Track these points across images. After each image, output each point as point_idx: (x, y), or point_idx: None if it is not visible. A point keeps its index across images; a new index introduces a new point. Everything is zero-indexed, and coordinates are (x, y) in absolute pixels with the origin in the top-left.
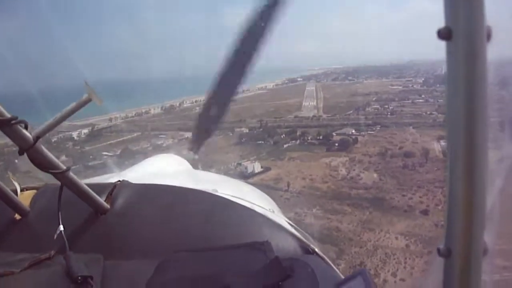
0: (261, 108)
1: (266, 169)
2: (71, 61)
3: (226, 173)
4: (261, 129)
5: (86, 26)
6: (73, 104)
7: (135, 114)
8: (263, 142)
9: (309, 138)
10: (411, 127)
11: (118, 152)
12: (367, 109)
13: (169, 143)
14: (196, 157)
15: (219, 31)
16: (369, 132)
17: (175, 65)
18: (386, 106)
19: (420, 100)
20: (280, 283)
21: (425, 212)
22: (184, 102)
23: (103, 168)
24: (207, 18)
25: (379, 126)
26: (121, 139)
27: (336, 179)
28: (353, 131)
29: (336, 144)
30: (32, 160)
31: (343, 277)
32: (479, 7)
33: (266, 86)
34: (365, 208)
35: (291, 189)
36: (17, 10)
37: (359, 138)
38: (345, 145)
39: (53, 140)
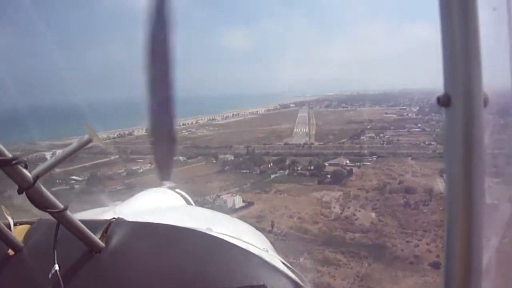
0: (250, 133)
1: (248, 204)
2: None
3: (203, 207)
4: (247, 157)
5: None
6: (73, 145)
7: (117, 135)
8: (248, 171)
9: (299, 168)
10: (409, 158)
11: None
12: (361, 137)
13: (146, 169)
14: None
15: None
16: (364, 163)
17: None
18: (382, 135)
19: (417, 129)
20: None
21: (435, 265)
22: None
23: (67, 194)
24: (197, 38)
25: (375, 156)
26: (96, 162)
27: (328, 218)
28: (347, 161)
29: (329, 176)
30: (31, 199)
31: None
32: (476, 75)
33: (257, 111)
34: (363, 258)
35: (275, 230)
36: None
37: (354, 169)
38: (338, 177)
39: (25, 158)
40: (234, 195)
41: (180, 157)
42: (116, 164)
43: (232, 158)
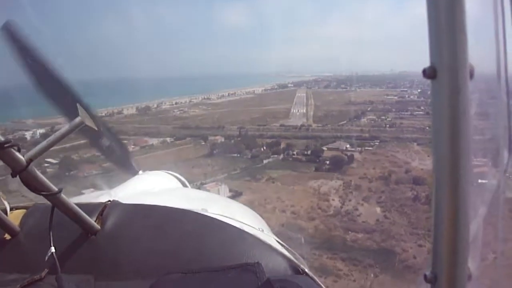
0: (245, 113)
1: (235, 195)
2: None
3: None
4: (239, 139)
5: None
6: (65, 127)
7: (105, 114)
8: (238, 155)
9: (295, 152)
10: (415, 143)
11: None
12: (362, 119)
13: (130, 151)
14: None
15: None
16: (366, 148)
17: (161, 65)
18: (383, 117)
19: (420, 112)
20: None
21: None
22: (163, 104)
23: None
24: (196, 16)
25: (378, 140)
26: (76, 143)
27: (326, 213)
28: (348, 145)
29: (327, 162)
30: (25, 182)
31: None
32: (462, 47)
33: (254, 91)
34: (367, 267)
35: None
36: None
37: (355, 155)
38: (338, 164)
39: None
40: (220, 184)
41: (168, 138)
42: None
43: (223, 140)
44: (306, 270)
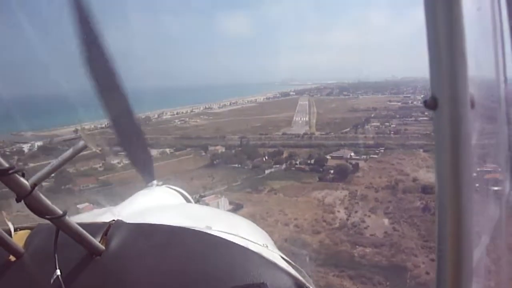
0: (246, 123)
1: (236, 207)
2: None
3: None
4: (240, 149)
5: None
6: (69, 151)
7: (105, 125)
8: (239, 165)
9: (298, 162)
10: (421, 150)
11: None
12: (366, 126)
13: (127, 163)
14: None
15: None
16: (371, 155)
17: (164, 75)
18: (387, 124)
19: (424, 118)
20: None
21: None
22: (164, 114)
23: None
24: (199, 25)
25: (383, 148)
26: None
27: (331, 226)
28: (352, 153)
29: (331, 172)
30: (29, 207)
31: None
32: (462, 77)
33: (256, 99)
34: (377, 284)
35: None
36: None
37: (360, 163)
38: (342, 173)
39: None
40: (220, 196)
41: (167, 149)
42: (95, 158)
43: (223, 150)
44: (311, 287)
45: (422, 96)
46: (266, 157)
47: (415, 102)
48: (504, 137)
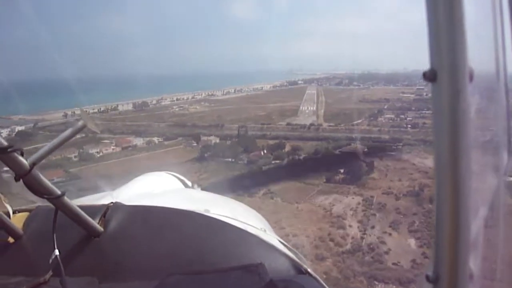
0: (249, 111)
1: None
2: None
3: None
4: (237, 139)
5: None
6: (68, 131)
7: (98, 111)
8: (233, 160)
9: (301, 157)
10: None
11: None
12: (379, 118)
13: (106, 153)
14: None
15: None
16: (387, 152)
17: (170, 62)
18: (403, 116)
19: None
20: None
21: None
22: (163, 100)
23: None
24: (207, 11)
25: (401, 143)
26: (40, 145)
27: (341, 248)
28: (365, 149)
29: (341, 171)
30: (28, 186)
31: None
32: (462, 49)
33: (262, 87)
34: None
35: None
36: None
37: (375, 161)
38: (354, 173)
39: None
40: None
41: (156, 138)
42: (78, 145)
43: (217, 141)
44: (309, 270)
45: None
46: (265, 151)
47: (430, 95)
48: (503, 108)
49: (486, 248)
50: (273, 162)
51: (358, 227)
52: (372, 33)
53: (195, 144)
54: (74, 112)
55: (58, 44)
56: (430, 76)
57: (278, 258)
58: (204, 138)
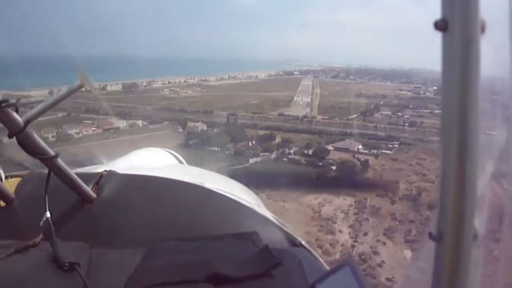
0: (241, 99)
1: None
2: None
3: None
4: (225, 127)
5: None
6: (64, 89)
7: (85, 89)
8: (218, 149)
9: (292, 151)
10: None
11: None
12: (375, 114)
13: (87, 133)
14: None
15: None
16: (383, 150)
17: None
18: (400, 114)
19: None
20: (270, 271)
21: None
22: (154, 82)
23: None
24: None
25: (397, 142)
26: (33, 121)
27: (330, 257)
28: (360, 146)
29: (333, 168)
30: (21, 144)
31: (329, 269)
32: (474, 0)
33: (257, 76)
34: None
35: None
36: None
37: (370, 160)
38: (347, 172)
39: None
40: None
41: (140, 121)
42: (58, 124)
43: (205, 128)
44: (303, 242)
45: (434, 88)
46: (254, 142)
47: (427, 94)
48: None
49: (492, 207)
50: (261, 154)
51: (349, 233)
52: (371, 29)
53: (181, 130)
54: (60, 90)
55: (47, 20)
56: (441, 26)
57: (272, 230)
58: (190, 124)
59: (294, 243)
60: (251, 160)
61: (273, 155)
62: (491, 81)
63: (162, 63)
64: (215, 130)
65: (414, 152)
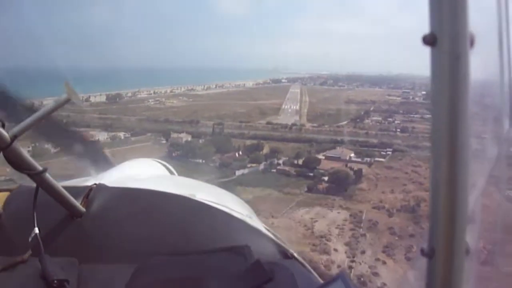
0: (228, 107)
1: None
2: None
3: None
4: (211, 137)
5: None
6: (51, 104)
7: (74, 102)
8: (203, 161)
9: (281, 161)
10: None
11: None
12: (365, 120)
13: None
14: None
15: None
16: (376, 158)
17: (152, 54)
18: (391, 119)
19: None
20: (262, 286)
21: None
22: (140, 93)
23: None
24: (192, 3)
25: (390, 149)
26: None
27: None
28: (352, 154)
29: (325, 179)
30: (8, 159)
31: (322, 281)
32: (463, 14)
33: (244, 84)
34: None
35: None
36: None
37: (363, 168)
38: (340, 183)
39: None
40: None
41: (122, 133)
42: (27, 139)
43: (189, 138)
44: (295, 254)
45: (423, 92)
46: (240, 152)
47: (416, 98)
48: (504, 76)
49: (484, 220)
50: (248, 165)
51: (345, 251)
52: (358, 36)
53: (163, 141)
54: (41, 102)
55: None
56: (429, 40)
57: (264, 243)
58: (174, 135)
59: (286, 255)
60: (238, 172)
61: (261, 166)
62: (481, 89)
63: (147, 74)
64: (200, 140)
65: (408, 159)
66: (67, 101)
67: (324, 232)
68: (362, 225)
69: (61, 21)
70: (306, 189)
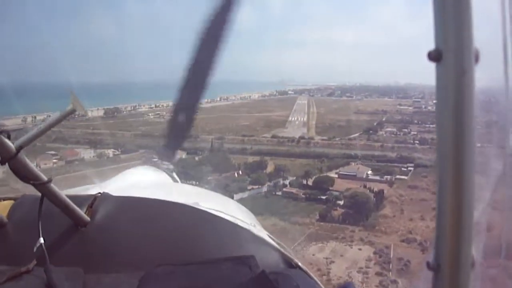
0: (232, 120)
1: None
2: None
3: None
4: (209, 155)
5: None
6: (57, 114)
7: (79, 113)
8: (197, 183)
9: (287, 182)
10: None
11: None
12: (379, 132)
13: (45, 167)
14: (171, 166)
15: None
16: (397, 176)
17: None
18: (406, 130)
19: None
20: None
21: None
22: (140, 106)
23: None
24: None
25: (412, 164)
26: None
27: None
28: (369, 171)
29: (340, 203)
30: (14, 170)
31: None
32: (468, 30)
33: (250, 96)
34: None
35: None
36: None
37: (384, 189)
38: (359, 208)
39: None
40: None
41: (110, 151)
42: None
43: (184, 156)
44: (300, 264)
45: (434, 101)
46: (241, 172)
47: (429, 108)
48: (510, 91)
49: (489, 233)
50: (249, 187)
51: None
52: (365, 45)
53: (156, 159)
54: (34, 117)
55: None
56: (435, 56)
57: (269, 252)
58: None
59: (291, 264)
60: (236, 196)
61: (264, 188)
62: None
63: (153, 87)
64: (196, 158)
65: (434, 176)
66: (73, 111)
67: (343, 279)
68: (390, 266)
69: (71, 35)
70: (318, 217)
